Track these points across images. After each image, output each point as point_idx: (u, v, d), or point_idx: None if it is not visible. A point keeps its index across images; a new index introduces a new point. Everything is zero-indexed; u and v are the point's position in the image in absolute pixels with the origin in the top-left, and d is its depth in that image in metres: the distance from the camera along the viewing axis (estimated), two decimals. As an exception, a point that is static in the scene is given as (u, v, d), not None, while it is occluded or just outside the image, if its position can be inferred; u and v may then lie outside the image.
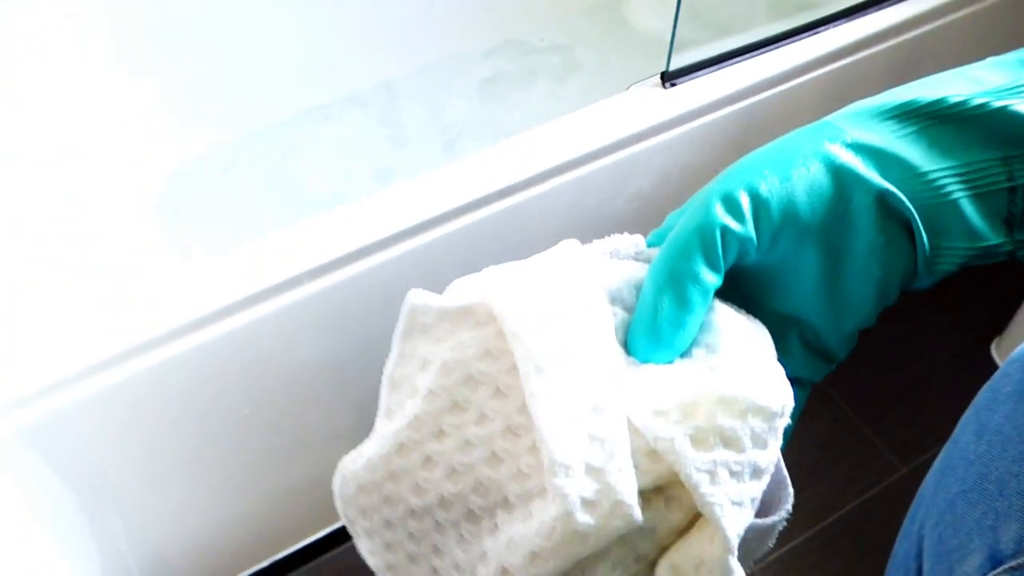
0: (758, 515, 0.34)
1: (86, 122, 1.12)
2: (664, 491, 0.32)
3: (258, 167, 1.23)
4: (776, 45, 0.87)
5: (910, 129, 0.34)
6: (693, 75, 0.83)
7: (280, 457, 0.86)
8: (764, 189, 0.33)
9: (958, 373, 1.20)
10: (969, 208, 0.34)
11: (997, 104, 0.33)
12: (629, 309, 0.35)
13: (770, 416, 0.32)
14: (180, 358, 0.68)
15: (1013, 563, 0.37)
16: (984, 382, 0.46)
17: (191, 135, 1.22)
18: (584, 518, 0.29)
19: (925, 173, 0.33)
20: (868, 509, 1.07)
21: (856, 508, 1.08)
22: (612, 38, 1.42)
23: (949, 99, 0.34)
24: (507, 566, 0.32)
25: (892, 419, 1.16)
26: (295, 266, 0.70)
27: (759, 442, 0.32)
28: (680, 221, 0.34)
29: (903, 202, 0.33)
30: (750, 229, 0.33)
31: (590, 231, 0.85)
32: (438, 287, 0.80)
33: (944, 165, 0.34)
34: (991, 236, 0.34)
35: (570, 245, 0.36)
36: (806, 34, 0.88)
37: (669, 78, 0.82)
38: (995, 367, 1.18)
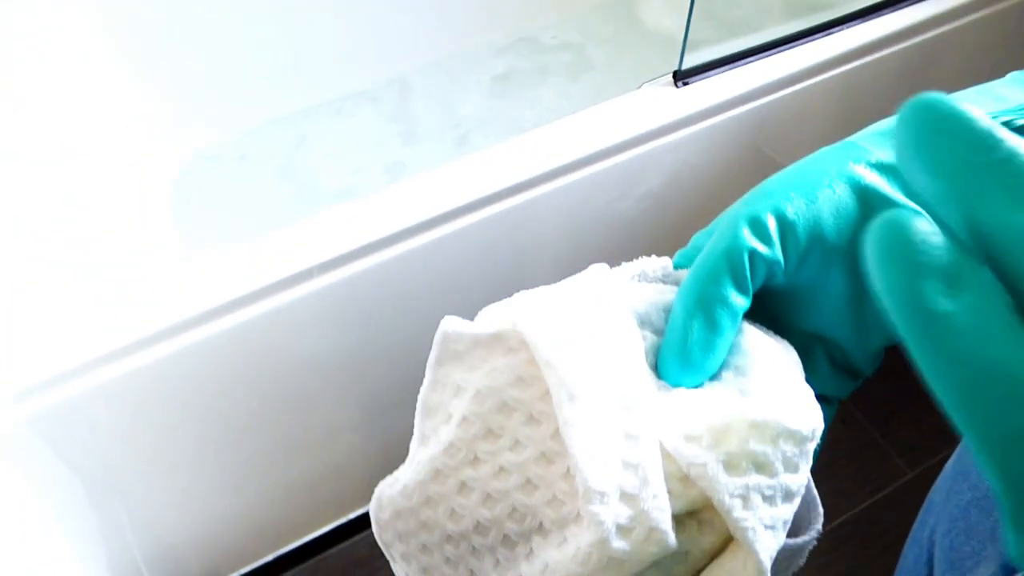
0: (789, 535, 0.34)
1: (100, 114, 1.12)
2: (697, 515, 0.32)
3: (270, 160, 1.23)
4: (789, 45, 0.86)
5: None
6: (705, 74, 0.83)
7: (285, 451, 0.86)
8: (791, 212, 0.33)
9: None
10: None
11: (1021, 122, 0.33)
12: (658, 332, 0.35)
13: (801, 440, 0.32)
14: (189, 351, 0.69)
15: None
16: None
17: (203, 128, 1.22)
18: (619, 544, 0.30)
19: None
20: (875, 512, 1.07)
21: (863, 511, 1.07)
22: (625, 37, 1.41)
23: None
24: None
25: (900, 422, 1.16)
26: (304, 260, 0.70)
27: (791, 466, 0.32)
28: (707, 244, 0.34)
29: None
30: (778, 252, 0.33)
31: (599, 229, 0.85)
32: (447, 284, 0.81)
33: None
34: None
35: (599, 269, 0.36)
36: (820, 35, 0.88)
37: (681, 77, 0.82)
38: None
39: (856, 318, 0.36)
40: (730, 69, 0.84)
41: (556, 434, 0.32)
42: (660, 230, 0.89)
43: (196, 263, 0.70)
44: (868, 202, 0.34)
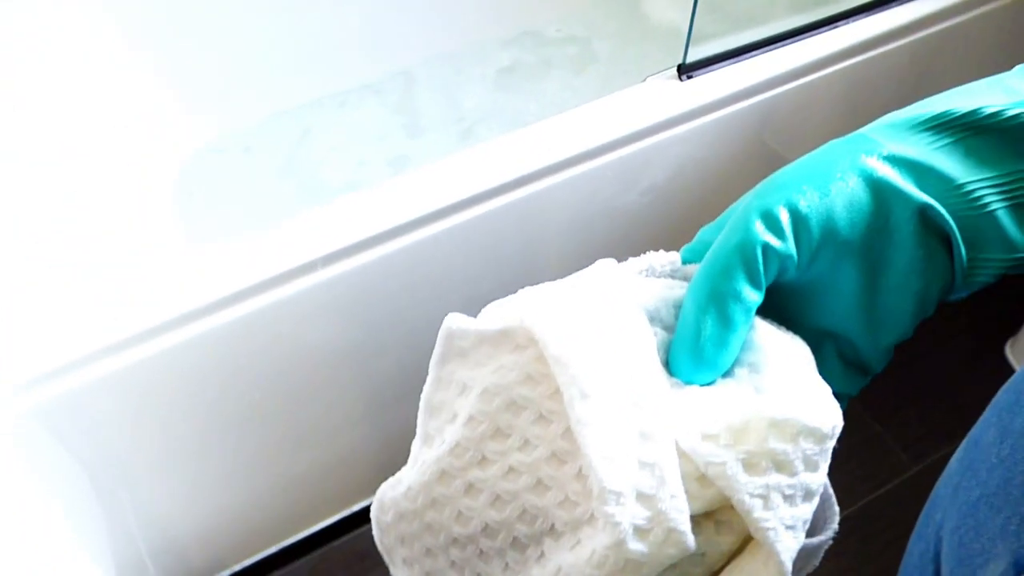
0: (806, 534, 0.34)
1: (104, 109, 1.12)
2: (714, 515, 0.31)
3: (274, 154, 1.23)
4: (795, 39, 0.86)
5: (946, 141, 0.34)
6: (710, 68, 0.83)
7: (290, 443, 0.86)
8: (803, 205, 0.33)
9: (971, 373, 1.19)
10: (1007, 219, 0.33)
11: None
12: (668, 328, 0.35)
13: (821, 438, 0.31)
14: (193, 342, 0.69)
15: None
16: (997, 382, 0.45)
17: (208, 121, 1.22)
18: (636, 546, 0.29)
19: (962, 185, 0.33)
20: (877, 507, 1.07)
21: (865, 506, 1.07)
22: (629, 30, 1.41)
23: (984, 110, 0.34)
24: None
25: (903, 417, 1.16)
26: (308, 252, 0.70)
27: (811, 464, 0.31)
28: (718, 238, 0.33)
29: (942, 215, 0.33)
30: (791, 246, 0.33)
31: (604, 223, 0.85)
32: (451, 277, 0.81)
33: (981, 176, 0.33)
34: None
35: (606, 264, 0.36)
36: (825, 28, 0.88)
37: (686, 70, 0.82)
38: (1009, 368, 1.17)
39: (867, 313, 0.35)
40: (735, 62, 0.84)
41: (567, 433, 0.31)
42: (664, 224, 0.89)
43: (201, 255, 0.70)
44: (881, 195, 0.33)
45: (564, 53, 1.38)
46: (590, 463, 0.30)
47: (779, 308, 0.36)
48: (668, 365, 0.34)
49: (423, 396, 0.36)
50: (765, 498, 0.30)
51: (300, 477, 0.91)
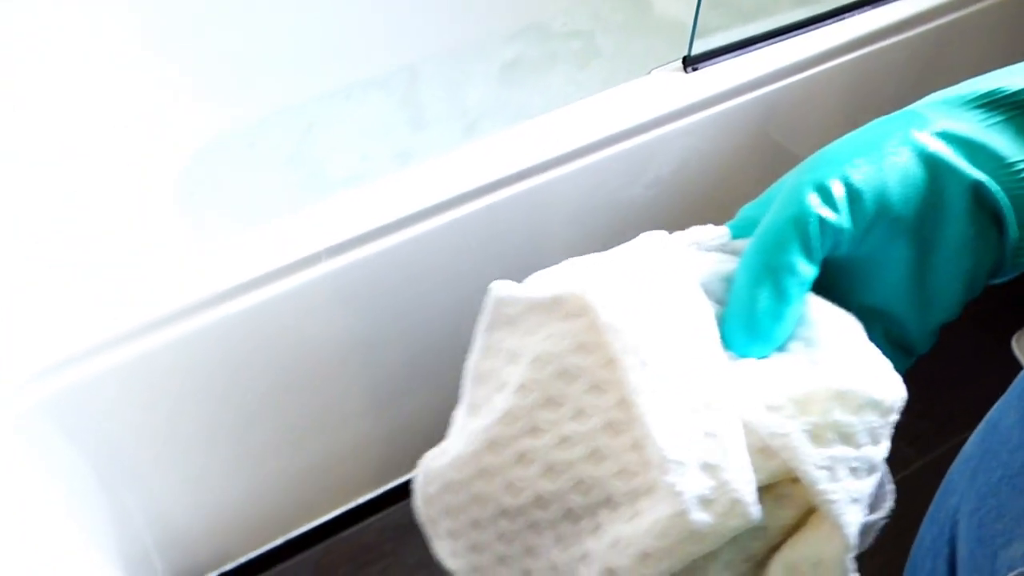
0: None
1: (110, 104, 1.13)
2: (774, 489, 0.31)
3: (279, 147, 1.23)
4: (800, 31, 0.86)
5: (997, 119, 0.34)
6: (715, 60, 0.83)
7: (295, 435, 0.86)
8: (857, 179, 0.32)
9: (977, 366, 1.19)
10: None
11: None
12: (719, 302, 0.34)
13: (885, 411, 0.31)
14: (198, 335, 0.69)
15: None
16: (1003, 376, 0.45)
17: (213, 114, 1.22)
18: (700, 517, 0.28)
19: (1013, 164, 0.33)
20: (883, 500, 1.06)
21: (871, 499, 1.07)
22: (634, 24, 1.41)
23: None
24: (613, 567, 0.31)
25: (909, 411, 1.15)
26: (313, 244, 0.70)
27: (874, 437, 0.31)
28: (771, 212, 0.33)
29: (995, 193, 0.33)
30: (845, 220, 0.32)
31: (608, 215, 0.85)
32: (456, 270, 0.81)
33: None
34: None
35: (655, 236, 0.35)
36: (831, 20, 0.88)
37: (691, 63, 0.82)
38: (1015, 361, 1.17)
39: (917, 291, 0.35)
40: (741, 54, 0.84)
41: (622, 403, 0.31)
42: (669, 217, 0.89)
43: (205, 248, 0.70)
44: (936, 171, 0.33)
45: (569, 47, 1.37)
46: (649, 433, 0.29)
47: (827, 285, 0.36)
48: (721, 338, 0.33)
49: (469, 364, 0.36)
50: (831, 470, 0.30)
51: (305, 469, 0.92)
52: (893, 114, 0.35)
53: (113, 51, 1.11)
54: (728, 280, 0.34)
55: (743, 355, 0.33)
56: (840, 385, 0.30)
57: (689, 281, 0.33)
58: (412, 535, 1.01)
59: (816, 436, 0.30)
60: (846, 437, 0.30)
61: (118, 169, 1.13)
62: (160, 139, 1.18)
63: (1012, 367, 1.11)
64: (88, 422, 0.70)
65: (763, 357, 0.33)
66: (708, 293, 0.34)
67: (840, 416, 0.30)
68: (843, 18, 0.88)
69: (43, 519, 0.68)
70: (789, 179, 0.34)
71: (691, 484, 0.29)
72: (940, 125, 0.33)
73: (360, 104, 1.29)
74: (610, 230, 0.87)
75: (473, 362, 0.36)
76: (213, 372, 0.74)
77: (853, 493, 0.30)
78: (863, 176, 0.32)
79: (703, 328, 0.32)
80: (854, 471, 0.30)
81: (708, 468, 0.29)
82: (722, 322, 0.33)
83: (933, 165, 0.33)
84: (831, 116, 0.94)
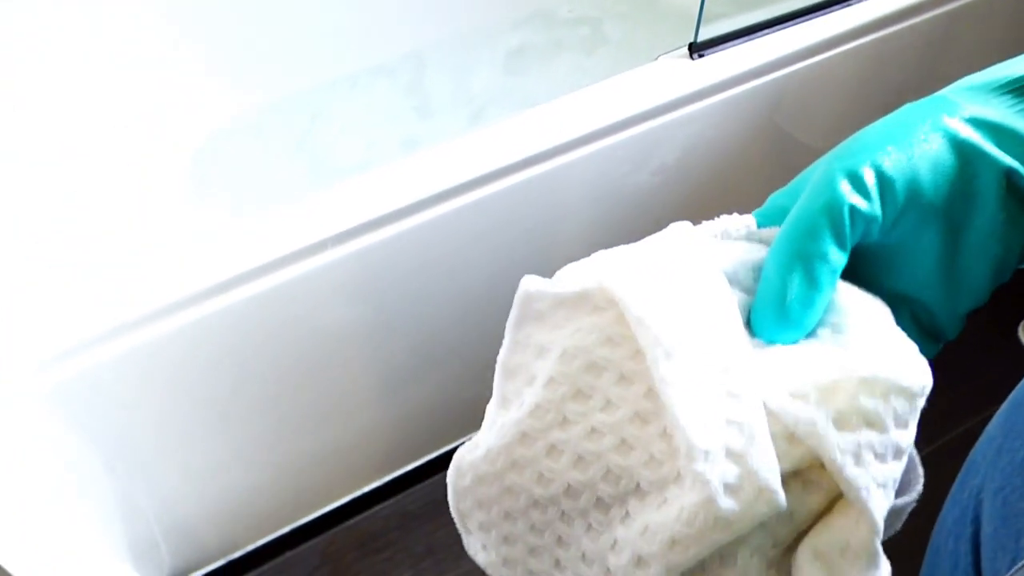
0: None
1: (117, 93, 1.13)
2: (801, 475, 0.31)
3: (285, 135, 1.23)
4: (808, 16, 0.85)
5: None
6: (722, 46, 0.82)
7: (301, 423, 0.87)
8: (889, 167, 0.32)
9: (981, 357, 1.19)
10: None
11: None
12: (747, 291, 0.34)
13: (912, 396, 0.31)
14: (203, 322, 0.69)
15: None
16: (1009, 365, 0.45)
17: (219, 103, 1.22)
18: (727, 503, 0.29)
19: None
20: (890, 489, 1.06)
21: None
22: (641, 11, 1.40)
23: None
24: (643, 554, 0.31)
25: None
26: (319, 232, 0.70)
27: (901, 422, 0.31)
28: (802, 199, 0.33)
29: None
30: (876, 208, 0.32)
31: (614, 203, 0.85)
32: (463, 257, 0.81)
33: None
34: None
35: (681, 227, 0.36)
36: (840, 5, 0.87)
37: (697, 49, 0.82)
38: (1022, 351, 1.16)
39: (946, 278, 0.35)
40: (748, 41, 0.83)
41: (649, 393, 0.31)
42: (675, 204, 0.89)
43: (212, 235, 0.70)
44: (966, 157, 0.33)
45: (575, 34, 1.37)
46: (676, 422, 0.30)
47: (856, 271, 0.36)
48: (749, 326, 0.34)
49: (499, 359, 0.36)
50: (857, 455, 0.30)
51: (312, 458, 0.92)
52: (922, 100, 0.35)
53: (121, 40, 1.11)
54: (755, 268, 0.35)
55: (772, 341, 0.33)
56: (866, 371, 0.30)
57: (715, 271, 0.33)
58: (418, 523, 1.01)
59: (841, 422, 0.30)
60: (872, 423, 0.30)
61: (126, 158, 1.13)
62: (167, 128, 1.18)
63: (1018, 357, 1.11)
64: (95, 411, 0.71)
65: (791, 343, 0.33)
66: (734, 282, 0.34)
67: (866, 402, 0.30)
68: (851, 3, 0.87)
69: (50, 505, 0.69)
70: (820, 166, 0.34)
71: (717, 472, 0.29)
72: (970, 111, 0.33)
73: (366, 92, 1.28)
74: (616, 217, 0.86)
75: (503, 357, 0.36)
76: (219, 361, 0.74)
77: (879, 478, 0.31)
78: (894, 164, 0.32)
79: (728, 317, 0.32)
80: (880, 456, 0.31)
81: (734, 456, 0.29)
82: (752, 309, 0.34)
83: (964, 152, 0.33)
84: (839, 103, 0.93)
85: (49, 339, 0.65)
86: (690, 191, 0.89)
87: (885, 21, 0.88)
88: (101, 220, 1.05)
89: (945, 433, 1.11)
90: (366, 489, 1.02)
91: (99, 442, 0.73)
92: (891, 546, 0.32)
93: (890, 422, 0.31)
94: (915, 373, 0.31)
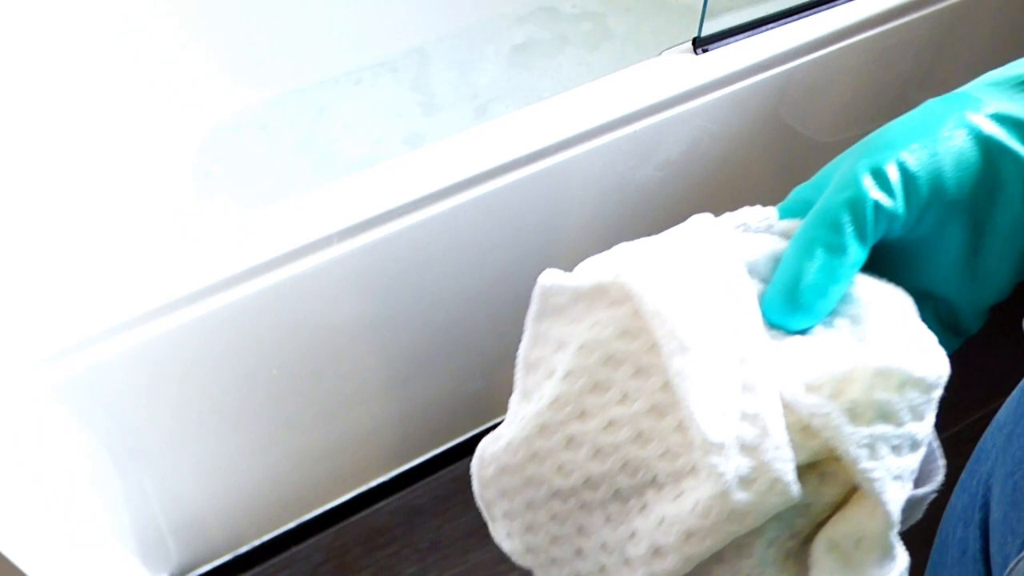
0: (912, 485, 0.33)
1: (121, 89, 1.13)
2: (818, 467, 0.31)
3: (290, 130, 1.23)
4: (812, 11, 0.85)
5: None
6: (726, 41, 0.82)
7: (307, 419, 0.87)
8: (912, 163, 0.32)
9: (986, 348, 1.18)
10: None
11: None
12: (766, 282, 0.34)
13: (928, 387, 0.31)
14: (209, 317, 0.69)
15: None
16: (1013, 357, 0.45)
17: (223, 98, 1.22)
18: (740, 496, 0.29)
19: None
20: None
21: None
22: (644, 6, 1.40)
23: None
24: (659, 545, 0.32)
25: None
26: (325, 227, 0.70)
27: (917, 414, 0.31)
28: (826, 193, 0.33)
29: None
30: (900, 205, 0.32)
31: (618, 197, 0.85)
32: (466, 251, 0.81)
33: None
34: None
35: (702, 219, 0.36)
36: (843, 0, 0.87)
37: (701, 44, 0.81)
38: (1026, 342, 1.15)
39: (969, 274, 0.35)
40: (752, 35, 0.83)
41: (666, 387, 0.32)
42: (679, 199, 0.89)
43: (218, 231, 0.71)
44: (990, 153, 0.33)
45: (579, 29, 1.37)
46: (691, 415, 0.30)
47: (879, 267, 0.36)
48: (762, 307, 0.34)
49: (520, 353, 0.37)
50: (871, 448, 0.30)
51: (317, 453, 0.92)
52: (944, 96, 0.35)
53: (126, 34, 1.12)
54: (775, 260, 0.35)
55: (779, 325, 0.33)
56: (881, 363, 0.30)
57: (734, 263, 0.33)
58: (423, 518, 1.01)
59: (856, 415, 0.30)
60: (887, 415, 0.30)
61: (130, 154, 1.13)
62: (171, 124, 1.19)
63: (1022, 349, 1.10)
64: (103, 406, 0.71)
65: (801, 330, 0.33)
66: (754, 273, 0.34)
67: (881, 394, 0.30)
68: (855, -2, 0.87)
69: (58, 501, 0.69)
70: (844, 161, 0.34)
71: (732, 465, 0.29)
72: (993, 107, 0.33)
73: (371, 87, 1.28)
74: (621, 212, 0.86)
75: (523, 350, 0.37)
76: (224, 357, 0.74)
77: (895, 470, 0.31)
78: (918, 160, 0.32)
79: (746, 308, 0.32)
80: (896, 448, 0.31)
81: (748, 448, 0.30)
82: (765, 292, 0.34)
83: (988, 148, 0.33)
84: (843, 97, 0.93)
85: (55, 334, 0.65)
86: (695, 186, 0.89)
87: (890, 15, 0.88)
88: (107, 215, 1.05)
89: (952, 425, 1.11)
90: (371, 484, 1.02)
91: (107, 438, 0.74)
92: (900, 536, 0.32)
93: (905, 415, 0.31)
94: (931, 363, 0.31)
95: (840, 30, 0.85)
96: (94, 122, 1.10)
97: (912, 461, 0.32)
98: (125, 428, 0.74)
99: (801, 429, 0.30)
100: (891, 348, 0.31)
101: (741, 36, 0.83)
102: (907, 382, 0.30)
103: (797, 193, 0.37)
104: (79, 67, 1.08)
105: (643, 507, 0.33)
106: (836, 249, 0.32)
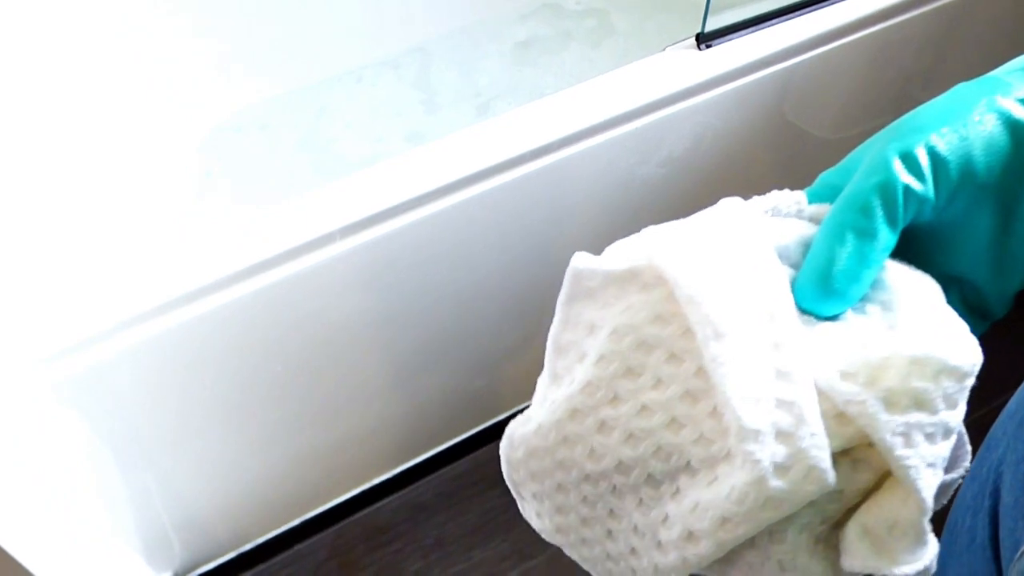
0: None
1: (123, 88, 1.13)
2: (851, 453, 0.31)
3: (292, 128, 1.23)
4: (815, 6, 0.85)
5: None
6: (729, 37, 0.82)
7: (310, 417, 0.87)
8: (942, 147, 0.32)
9: (990, 341, 1.18)
10: None
11: None
12: (796, 267, 0.34)
13: (962, 376, 0.31)
14: (212, 315, 0.69)
15: None
16: (1018, 350, 0.45)
17: (224, 97, 1.22)
18: (777, 483, 0.29)
19: None
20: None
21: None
22: (648, 2, 1.40)
23: None
24: (693, 530, 0.32)
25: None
26: (327, 224, 0.70)
27: (951, 402, 0.31)
28: (856, 177, 0.33)
29: None
30: (930, 189, 0.32)
31: (621, 194, 0.85)
32: (470, 248, 0.81)
33: None
34: None
35: (732, 203, 0.35)
36: (847, -5, 0.87)
37: (704, 39, 0.81)
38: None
39: (997, 258, 0.35)
40: (755, 31, 0.83)
41: (700, 372, 0.31)
42: (682, 195, 0.89)
43: (218, 228, 0.70)
44: (1019, 137, 0.33)
45: (582, 26, 1.37)
46: (727, 402, 0.30)
47: (907, 251, 0.36)
48: (793, 292, 0.34)
49: (550, 335, 0.36)
50: (906, 436, 0.30)
51: (321, 450, 0.92)
52: (975, 80, 0.35)
53: (127, 33, 1.11)
54: (805, 245, 0.35)
55: (811, 310, 0.33)
56: (916, 351, 0.30)
57: (765, 247, 0.33)
58: (427, 515, 1.01)
59: (891, 403, 0.30)
60: (922, 403, 0.30)
61: (131, 153, 1.13)
62: (172, 124, 1.19)
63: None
64: (104, 403, 0.71)
65: (832, 315, 0.33)
66: (784, 258, 0.34)
67: (916, 383, 0.30)
68: (859, -7, 0.87)
69: (63, 500, 0.69)
70: (872, 145, 0.34)
71: (768, 452, 0.29)
72: (1022, 91, 0.33)
73: (372, 85, 1.28)
74: (624, 208, 0.86)
75: (554, 333, 0.36)
76: (227, 355, 0.74)
77: (929, 458, 0.31)
78: (948, 145, 0.32)
79: (778, 295, 0.32)
80: (930, 436, 0.31)
81: (784, 436, 0.30)
82: (797, 277, 0.34)
83: (1018, 132, 0.33)
84: (846, 92, 0.93)
85: (58, 333, 0.65)
86: (698, 182, 0.89)
87: (892, 11, 0.87)
88: (107, 214, 1.05)
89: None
90: (375, 481, 1.02)
91: (109, 437, 0.74)
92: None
93: (940, 403, 0.31)
94: (965, 351, 0.31)
95: (843, 26, 0.85)
96: (95, 122, 1.10)
97: (945, 449, 0.32)
98: (127, 427, 0.74)
99: (835, 416, 0.30)
100: (926, 336, 0.31)
101: (744, 32, 0.83)
102: (942, 370, 0.30)
103: (824, 178, 0.37)
104: (79, 67, 1.08)
105: (676, 492, 0.33)
106: (867, 233, 0.32)
